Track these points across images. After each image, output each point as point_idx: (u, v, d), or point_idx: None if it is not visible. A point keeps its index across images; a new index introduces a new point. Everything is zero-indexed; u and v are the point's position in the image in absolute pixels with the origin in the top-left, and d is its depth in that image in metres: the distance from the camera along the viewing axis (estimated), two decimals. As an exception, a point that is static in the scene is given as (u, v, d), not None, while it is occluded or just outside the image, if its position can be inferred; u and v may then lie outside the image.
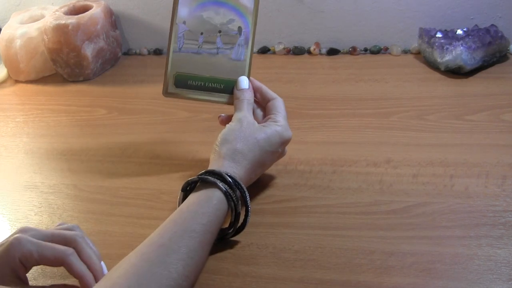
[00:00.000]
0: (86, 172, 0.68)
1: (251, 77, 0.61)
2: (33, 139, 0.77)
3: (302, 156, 0.66)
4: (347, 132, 0.71)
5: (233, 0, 0.60)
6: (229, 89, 0.61)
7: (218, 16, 0.60)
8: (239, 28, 0.60)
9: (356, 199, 0.58)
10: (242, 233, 0.53)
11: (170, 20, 0.61)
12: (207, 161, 0.57)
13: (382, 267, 0.49)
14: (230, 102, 0.61)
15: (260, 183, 0.62)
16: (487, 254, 0.50)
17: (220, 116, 0.62)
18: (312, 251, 0.52)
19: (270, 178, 0.63)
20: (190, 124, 0.77)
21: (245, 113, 0.58)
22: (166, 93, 0.62)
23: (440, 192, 0.58)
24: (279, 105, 0.59)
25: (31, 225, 0.59)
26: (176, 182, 0.62)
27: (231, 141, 0.55)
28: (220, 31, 0.60)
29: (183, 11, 0.60)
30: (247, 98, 0.59)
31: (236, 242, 0.54)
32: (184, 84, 0.61)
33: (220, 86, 0.61)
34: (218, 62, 0.60)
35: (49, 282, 0.51)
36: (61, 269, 0.52)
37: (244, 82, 0.60)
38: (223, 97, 0.61)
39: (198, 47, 0.60)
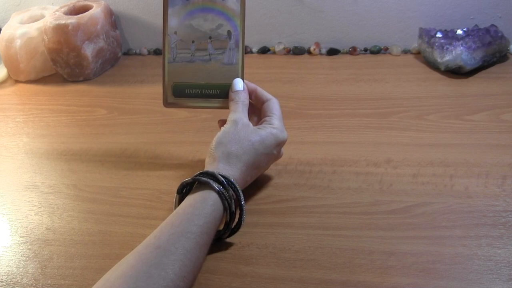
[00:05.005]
0: (86, 172, 0.68)
1: (245, 80, 0.61)
2: (33, 139, 0.77)
3: (302, 156, 0.66)
4: (347, 132, 0.71)
5: (219, 5, 0.60)
6: (225, 93, 0.61)
7: (206, 23, 0.60)
8: (229, 32, 0.60)
9: (356, 199, 0.58)
10: (241, 233, 0.53)
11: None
12: (207, 161, 0.57)
13: (382, 267, 0.49)
14: (228, 106, 0.61)
15: (260, 183, 0.62)
16: (487, 254, 0.50)
17: (219, 120, 0.62)
18: (312, 251, 0.52)
19: (270, 178, 0.63)
20: (190, 124, 0.77)
21: (240, 114, 0.57)
22: (166, 103, 0.63)
23: (440, 192, 0.58)
24: (274, 106, 0.59)
25: (31, 225, 0.59)
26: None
27: (225, 144, 0.55)
28: (210, 37, 0.60)
29: (173, 22, 0.60)
30: (242, 99, 0.59)
31: (235, 242, 0.54)
32: (182, 93, 0.62)
33: (217, 91, 0.61)
34: (212, 68, 0.61)
35: (49, 282, 0.51)
36: (61, 269, 0.52)
37: (238, 84, 0.60)
38: (221, 102, 0.61)
39: (191, 55, 0.61)
